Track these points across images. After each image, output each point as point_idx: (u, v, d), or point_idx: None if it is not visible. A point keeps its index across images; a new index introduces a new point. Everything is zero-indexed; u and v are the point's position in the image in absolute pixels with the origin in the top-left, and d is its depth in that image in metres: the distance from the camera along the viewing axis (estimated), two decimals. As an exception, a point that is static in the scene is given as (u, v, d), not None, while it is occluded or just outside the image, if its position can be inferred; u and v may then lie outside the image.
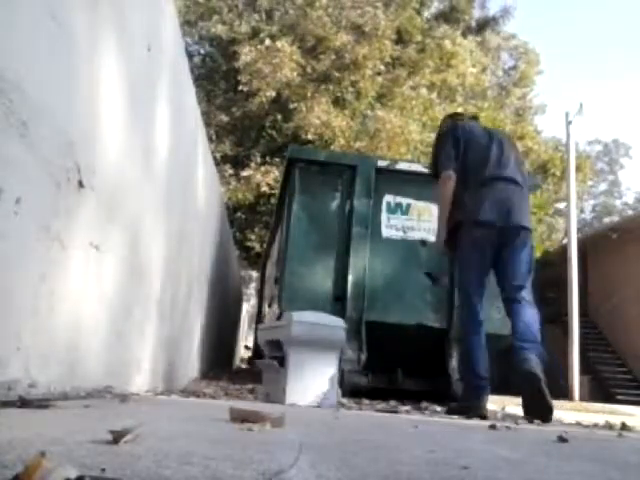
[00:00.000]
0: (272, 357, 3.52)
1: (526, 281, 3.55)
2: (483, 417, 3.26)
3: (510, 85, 20.89)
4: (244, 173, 12.74)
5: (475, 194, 3.58)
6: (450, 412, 3.42)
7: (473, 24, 18.16)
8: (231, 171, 13.00)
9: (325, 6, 13.18)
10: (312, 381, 3.28)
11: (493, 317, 5.59)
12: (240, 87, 12.80)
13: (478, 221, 3.52)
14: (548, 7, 72.78)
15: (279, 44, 12.46)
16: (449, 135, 3.78)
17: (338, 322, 3.53)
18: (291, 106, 12.70)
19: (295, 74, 12.57)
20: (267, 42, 12.62)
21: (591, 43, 79.55)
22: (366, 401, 3.96)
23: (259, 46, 12.63)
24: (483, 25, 19.07)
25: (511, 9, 19.24)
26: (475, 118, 4.20)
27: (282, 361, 3.31)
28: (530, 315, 3.40)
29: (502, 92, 20.65)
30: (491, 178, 3.59)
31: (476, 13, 18.75)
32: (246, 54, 12.52)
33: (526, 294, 3.50)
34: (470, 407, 3.32)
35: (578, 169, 15.70)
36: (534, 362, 3.17)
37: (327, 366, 3.34)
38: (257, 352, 7.50)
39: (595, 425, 3.14)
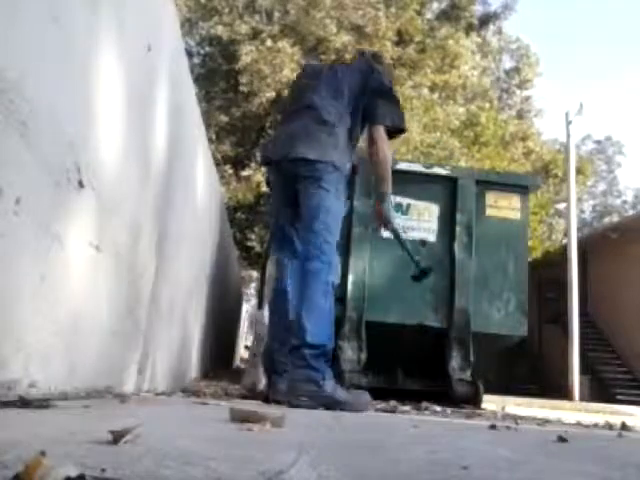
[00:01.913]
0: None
1: (311, 224, 2.91)
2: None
3: (512, 87, 20.90)
4: (244, 173, 12.76)
5: (274, 134, 3.31)
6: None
7: (475, 21, 18.11)
8: (231, 171, 13.01)
9: (328, 7, 13.18)
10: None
11: (493, 317, 5.59)
12: (240, 87, 12.80)
13: (263, 161, 3.23)
14: (544, 6, 72.85)
15: (280, 45, 12.46)
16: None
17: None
18: (291, 106, 12.69)
19: (295, 75, 12.57)
20: (268, 42, 12.63)
21: (587, 42, 79.57)
22: (366, 401, 3.94)
23: (260, 46, 12.63)
24: (485, 21, 19.02)
25: (513, 3, 19.22)
26: (362, 54, 3.49)
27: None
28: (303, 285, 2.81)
29: (503, 94, 20.65)
30: (291, 112, 3.14)
31: (478, 9, 18.71)
32: (247, 54, 12.52)
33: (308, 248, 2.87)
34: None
35: (579, 171, 15.71)
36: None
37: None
38: (257, 352, 7.49)
39: (595, 425, 3.13)
